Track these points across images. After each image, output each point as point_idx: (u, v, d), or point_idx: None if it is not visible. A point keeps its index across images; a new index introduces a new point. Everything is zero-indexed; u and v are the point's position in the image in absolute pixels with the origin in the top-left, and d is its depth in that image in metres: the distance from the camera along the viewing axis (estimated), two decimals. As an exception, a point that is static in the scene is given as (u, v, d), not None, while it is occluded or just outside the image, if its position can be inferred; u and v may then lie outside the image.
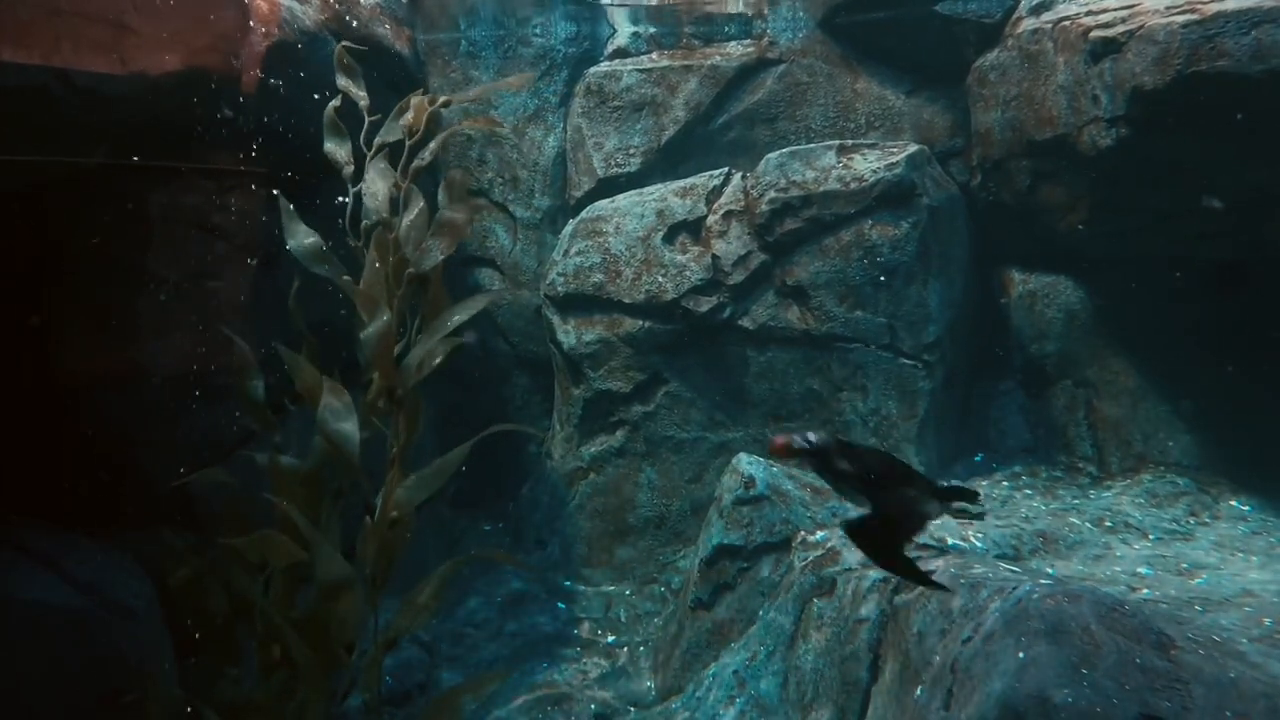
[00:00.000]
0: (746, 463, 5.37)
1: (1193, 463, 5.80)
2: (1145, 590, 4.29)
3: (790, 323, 6.00)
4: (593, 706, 5.19)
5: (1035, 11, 6.00)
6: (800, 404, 6.04)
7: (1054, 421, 6.22)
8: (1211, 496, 5.55)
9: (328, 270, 4.40)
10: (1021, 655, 3.19)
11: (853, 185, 5.89)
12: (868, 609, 4.20)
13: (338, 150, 4.54)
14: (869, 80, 6.74)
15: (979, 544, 4.69)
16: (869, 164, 5.97)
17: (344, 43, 4.83)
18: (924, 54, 6.63)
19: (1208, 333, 5.71)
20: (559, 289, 6.26)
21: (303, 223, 4.43)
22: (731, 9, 6.99)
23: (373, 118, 4.59)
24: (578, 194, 6.88)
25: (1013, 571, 4.00)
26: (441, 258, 4.44)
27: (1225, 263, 5.55)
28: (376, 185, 4.44)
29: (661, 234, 6.17)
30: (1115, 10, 5.30)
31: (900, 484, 2.97)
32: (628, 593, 6.10)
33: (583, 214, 6.49)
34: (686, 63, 6.85)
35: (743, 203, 6.12)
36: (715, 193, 6.25)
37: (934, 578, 3.91)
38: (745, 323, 6.04)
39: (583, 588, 6.20)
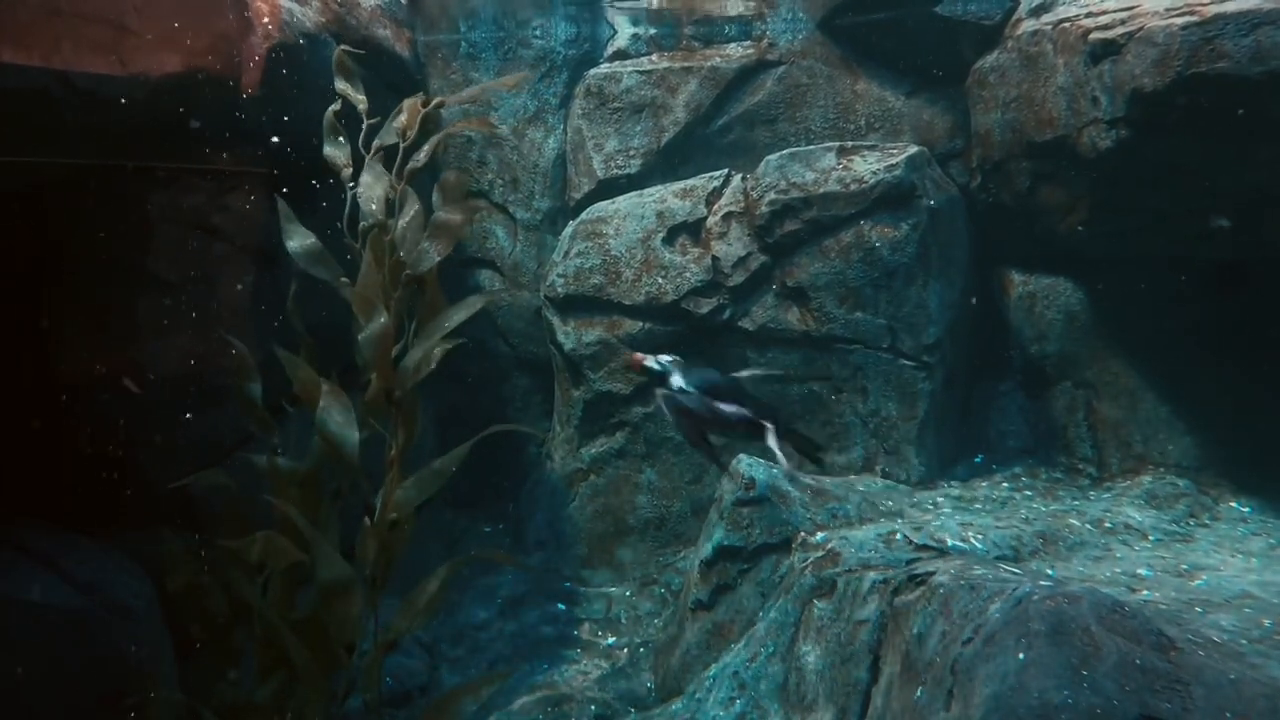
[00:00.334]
0: (747, 464, 5.37)
1: (1193, 464, 5.80)
2: (1145, 591, 4.28)
3: (790, 324, 6.00)
4: (593, 708, 5.19)
5: (1035, 13, 6.00)
6: (800, 405, 6.04)
7: (1054, 423, 6.22)
8: (1211, 498, 5.55)
9: (326, 272, 4.41)
10: (1022, 656, 3.19)
11: (853, 187, 5.90)
12: (868, 610, 4.20)
13: (337, 153, 4.56)
14: (869, 82, 6.75)
15: (979, 545, 4.69)
16: (869, 165, 5.97)
17: (343, 46, 4.84)
18: (924, 55, 6.63)
19: (1208, 333, 5.72)
20: (559, 290, 6.26)
21: (301, 224, 4.43)
22: (731, 10, 7.00)
23: (371, 120, 4.60)
24: (578, 195, 6.89)
25: (1013, 573, 3.99)
26: (438, 259, 4.45)
27: (1225, 263, 5.55)
28: (372, 188, 4.45)
29: (661, 235, 6.18)
30: (1115, 12, 5.30)
31: (736, 398, 3.89)
32: (628, 594, 6.10)
33: (583, 215, 6.49)
34: (686, 64, 6.86)
35: (743, 204, 6.13)
36: (715, 194, 6.26)
37: (934, 579, 3.93)
38: (745, 324, 6.04)
39: (583, 589, 6.20)
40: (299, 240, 4.41)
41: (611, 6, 7.00)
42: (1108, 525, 5.18)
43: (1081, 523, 5.18)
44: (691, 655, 5.16)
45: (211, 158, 4.55)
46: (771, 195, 6.00)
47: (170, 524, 4.18)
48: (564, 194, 7.03)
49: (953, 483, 5.94)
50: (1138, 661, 3.09)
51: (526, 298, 6.90)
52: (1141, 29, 5.01)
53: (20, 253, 3.90)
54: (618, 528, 6.23)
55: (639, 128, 6.80)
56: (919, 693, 3.60)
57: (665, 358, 4.43)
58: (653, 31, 7.13)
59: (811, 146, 6.25)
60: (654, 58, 7.03)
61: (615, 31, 7.18)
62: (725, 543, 5.18)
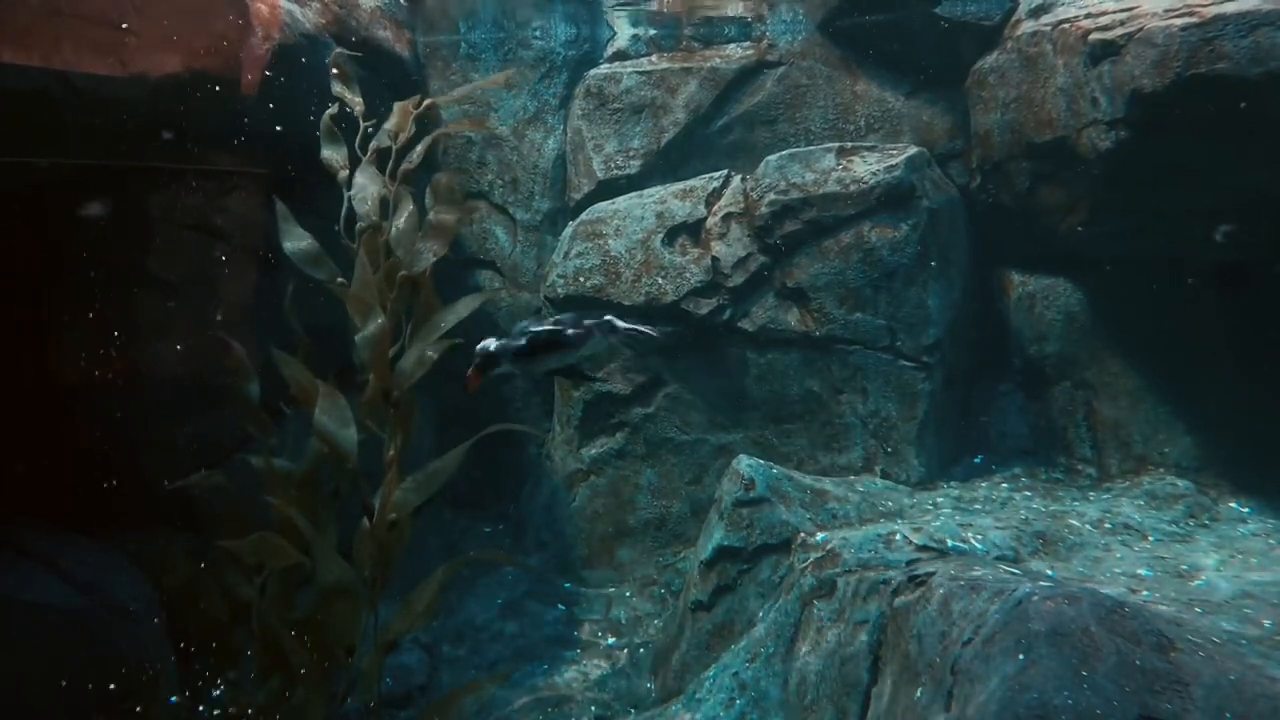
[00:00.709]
0: (747, 465, 5.37)
1: (1192, 464, 5.80)
2: (1145, 592, 4.29)
3: (790, 325, 6.00)
4: (593, 708, 5.19)
5: (1034, 14, 6.01)
6: (800, 405, 6.04)
7: (1053, 423, 6.22)
8: (1211, 498, 5.55)
9: (323, 272, 4.42)
10: (1021, 657, 3.19)
11: (852, 187, 5.90)
12: (868, 611, 4.20)
13: (334, 156, 4.57)
14: (868, 82, 6.75)
15: (979, 546, 4.69)
16: (868, 166, 5.97)
17: (339, 50, 4.86)
18: (923, 56, 6.64)
19: (1207, 333, 5.72)
20: (559, 291, 6.26)
21: (300, 225, 4.44)
22: (731, 11, 7.00)
23: (368, 123, 4.62)
24: (577, 196, 6.89)
25: (1013, 573, 4.00)
26: (433, 259, 4.47)
27: (1225, 263, 5.55)
28: (366, 189, 4.47)
29: (661, 236, 6.18)
30: (1114, 13, 5.31)
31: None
32: (628, 594, 6.10)
33: (582, 216, 6.49)
34: (686, 65, 6.86)
35: (742, 205, 6.13)
36: (715, 195, 6.26)
37: (934, 580, 3.93)
38: (745, 325, 6.04)
39: (583, 589, 6.20)
40: (296, 241, 4.42)
41: (612, 9, 7.01)
42: (1107, 526, 5.18)
43: (1081, 523, 5.18)
44: (691, 656, 5.16)
45: (211, 158, 4.56)
46: (771, 196, 6.00)
47: (170, 524, 4.19)
48: (564, 195, 7.03)
49: (952, 483, 5.94)
50: (1137, 662, 3.09)
51: (526, 298, 6.90)
52: (1141, 30, 5.01)
53: (20, 253, 3.90)
54: (618, 528, 6.22)
55: (639, 128, 6.80)
56: (919, 693, 3.60)
57: (493, 345, 4.17)
58: (652, 32, 7.14)
59: (811, 147, 6.25)
60: (654, 58, 7.04)
61: (615, 32, 7.19)
62: (725, 543, 5.18)
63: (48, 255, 4.03)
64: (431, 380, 4.52)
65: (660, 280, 6.07)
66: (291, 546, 4.05)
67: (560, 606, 6.07)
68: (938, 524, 4.95)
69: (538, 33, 7.10)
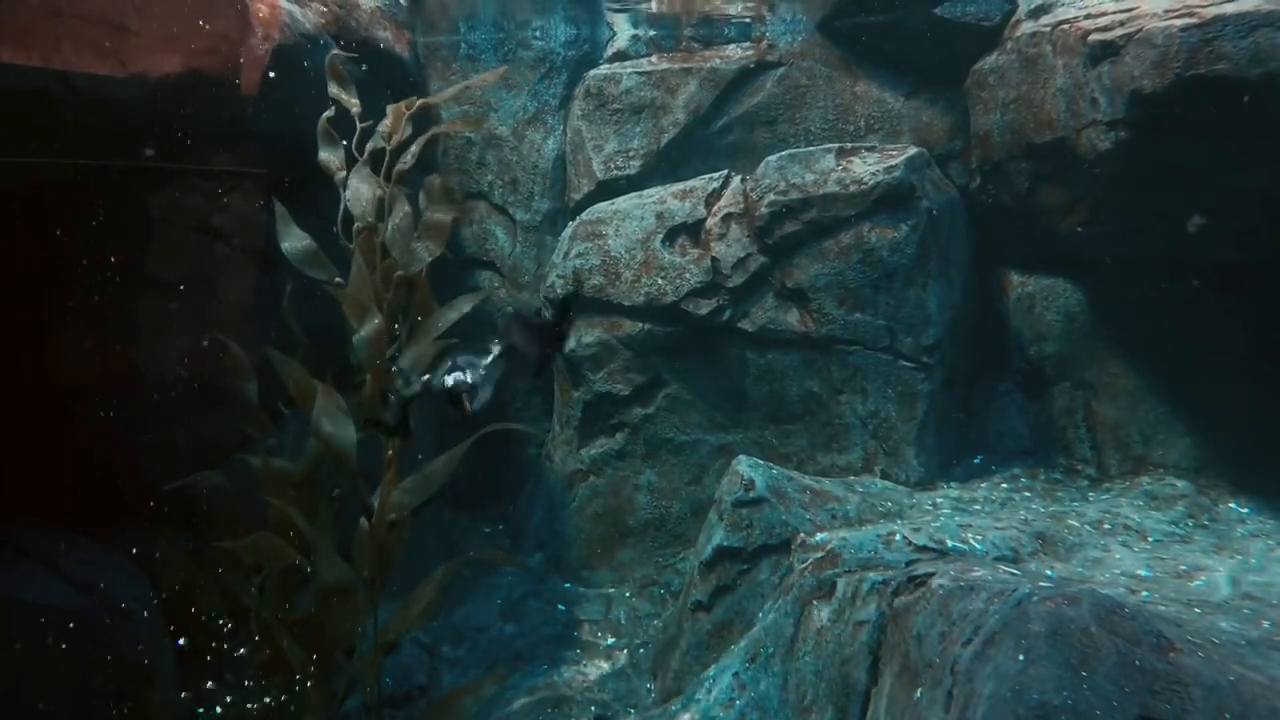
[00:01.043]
0: (746, 465, 5.37)
1: (1191, 465, 5.80)
2: (1145, 593, 4.29)
3: (790, 325, 6.00)
4: (593, 708, 5.19)
5: (1034, 15, 6.01)
6: (800, 406, 6.04)
7: (1053, 424, 6.23)
8: (1210, 499, 5.55)
9: (321, 273, 4.43)
10: (1021, 658, 3.19)
11: (852, 188, 5.90)
12: (867, 611, 4.20)
13: (331, 158, 4.58)
14: (868, 83, 6.75)
15: (978, 546, 4.69)
16: (868, 167, 5.98)
17: (335, 51, 4.86)
18: (923, 57, 6.64)
19: (1207, 334, 5.72)
20: (559, 291, 6.26)
21: (299, 225, 4.45)
22: (731, 12, 7.00)
23: (364, 124, 4.62)
24: (577, 196, 6.89)
25: (1012, 574, 4.00)
26: (429, 259, 4.48)
27: (1225, 263, 5.55)
28: (360, 191, 4.47)
29: (661, 236, 6.18)
30: (1114, 14, 5.31)
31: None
32: (627, 595, 6.10)
33: (582, 216, 6.49)
34: (686, 65, 6.86)
35: (742, 205, 6.13)
36: (715, 195, 6.26)
37: (933, 580, 3.93)
38: (745, 325, 6.04)
39: (583, 590, 6.20)
40: (294, 241, 4.42)
41: (611, 12, 7.01)
42: (1107, 526, 5.18)
43: (1081, 524, 5.18)
44: (691, 656, 5.16)
45: (211, 158, 4.56)
46: (771, 196, 6.01)
47: (170, 524, 4.19)
48: (564, 195, 7.03)
49: (952, 484, 5.94)
50: (1137, 663, 3.09)
51: (526, 299, 6.90)
52: (1140, 31, 5.01)
53: (20, 253, 3.90)
54: (617, 529, 6.23)
55: (638, 129, 6.81)
56: (918, 694, 3.60)
57: (467, 377, 3.70)
58: (652, 33, 7.14)
59: (811, 148, 6.26)
60: (653, 59, 7.04)
61: (615, 33, 7.19)
62: (725, 544, 5.19)
63: (48, 255, 4.03)
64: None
65: (660, 280, 6.07)
66: (290, 547, 4.05)
67: (560, 607, 6.07)
68: (937, 524, 4.95)
69: (538, 33, 7.10)
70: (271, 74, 4.69)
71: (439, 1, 7.02)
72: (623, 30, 7.17)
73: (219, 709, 3.98)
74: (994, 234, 6.43)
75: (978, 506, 5.52)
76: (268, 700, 4.04)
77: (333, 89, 4.67)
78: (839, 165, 6.04)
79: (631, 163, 6.79)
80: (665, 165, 6.77)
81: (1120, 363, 6.05)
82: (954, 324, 6.08)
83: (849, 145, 6.24)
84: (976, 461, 6.25)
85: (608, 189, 6.76)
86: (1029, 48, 5.89)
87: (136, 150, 4.12)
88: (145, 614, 3.95)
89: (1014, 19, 6.19)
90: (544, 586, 6.20)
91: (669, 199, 6.32)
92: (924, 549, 4.57)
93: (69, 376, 4.11)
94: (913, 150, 6.12)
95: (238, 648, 4.13)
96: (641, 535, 6.20)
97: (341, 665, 4.14)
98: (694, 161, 6.74)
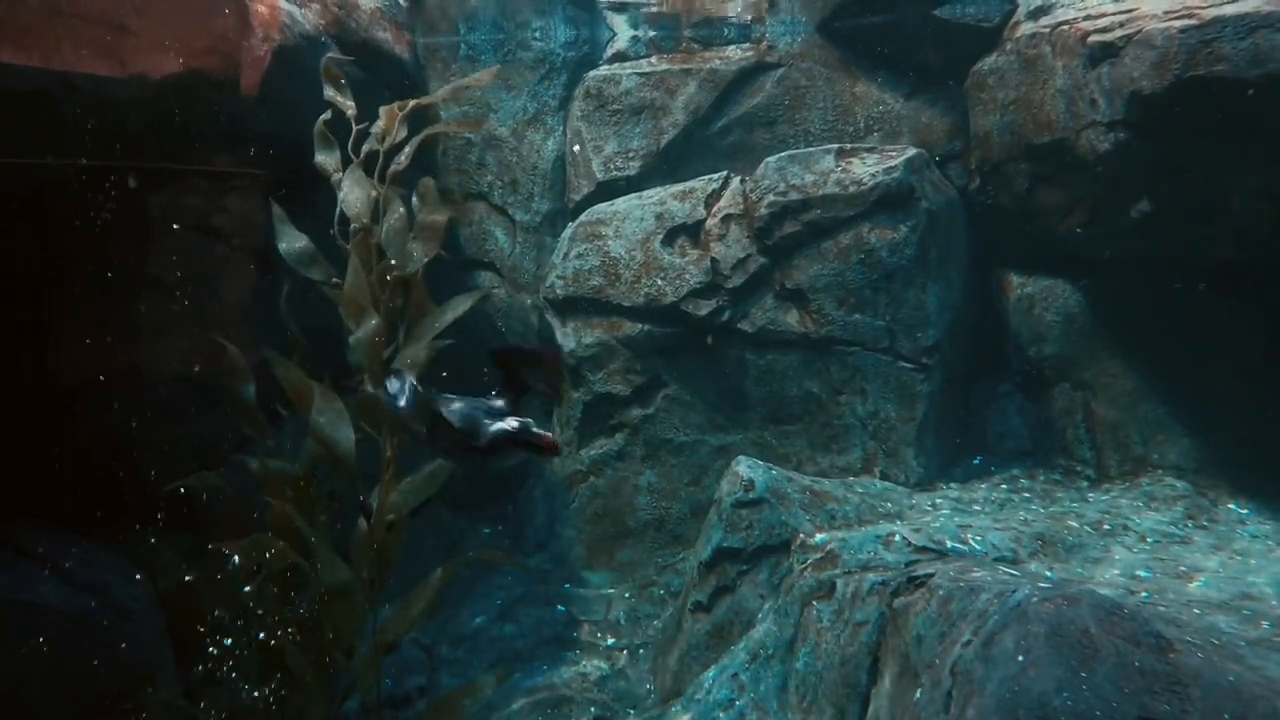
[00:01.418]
0: (746, 466, 5.37)
1: (1191, 466, 5.80)
2: (1144, 593, 4.29)
3: (789, 326, 6.00)
4: (592, 709, 5.19)
5: (1033, 16, 6.01)
6: (799, 406, 6.04)
7: (1052, 424, 6.23)
8: (1210, 500, 5.56)
9: (319, 273, 4.43)
10: (1021, 658, 3.19)
11: (851, 189, 5.90)
12: (867, 612, 4.21)
13: (327, 160, 4.58)
14: (868, 84, 6.75)
15: (978, 547, 4.69)
16: (868, 167, 5.98)
17: (330, 54, 4.87)
18: (923, 58, 6.64)
19: (1206, 334, 5.72)
20: (558, 292, 6.26)
21: (296, 226, 4.45)
22: (730, 13, 7.00)
23: (360, 126, 4.63)
24: (577, 197, 6.89)
25: (1012, 575, 4.00)
26: (424, 260, 4.48)
27: (1225, 263, 5.55)
28: (353, 192, 4.48)
29: (660, 237, 6.18)
30: (1113, 15, 5.32)
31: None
32: (627, 595, 6.10)
33: (582, 217, 6.49)
34: (685, 66, 6.86)
35: (742, 206, 6.13)
36: (714, 196, 6.26)
37: (933, 581, 3.93)
38: (744, 326, 6.04)
39: (582, 590, 6.20)
40: (291, 242, 4.43)
41: (611, 13, 7.01)
42: (1106, 527, 5.18)
43: (1080, 524, 5.18)
44: (691, 657, 5.16)
45: (211, 159, 4.56)
46: (770, 197, 6.01)
47: (170, 525, 4.19)
48: (563, 196, 7.03)
49: (951, 484, 5.94)
50: (1136, 663, 3.09)
51: (526, 299, 6.90)
52: (1140, 32, 5.02)
53: (20, 253, 3.90)
54: (617, 529, 6.23)
55: (638, 130, 6.81)
56: (918, 695, 3.60)
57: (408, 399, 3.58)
58: (652, 33, 7.14)
59: (810, 149, 6.26)
60: (653, 60, 7.04)
61: (614, 34, 7.19)
62: (724, 544, 5.19)
63: (48, 255, 4.03)
64: (429, 381, 4.51)
65: (660, 281, 6.07)
66: (290, 547, 4.05)
67: (560, 607, 6.07)
68: (937, 525, 4.96)
69: (537, 34, 7.10)
70: (271, 75, 4.69)
71: (439, 2, 7.02)
72: (622, 31, 7.17)
73: (219, 709, 3.97)
74: (993, 235, 6.44)
75: (977, 507, 5.52)
76: (268, 701, 4.04)
77: (328, 92, 4.67)
78: (838, 166, 6.04)
79: (631, 164, 6.79)
80: (665, 166, 6.77)
81: (1120, 363, 6.05)
82: (953, 325, 6.08)
83: (848, 146, 6.25)
84: (976, 462, 6.25)
85: (607, 190, 6.76)
86: (1028, 49, 5.89)
87: (136, 151, 4.12)
88: (145, 614, 3.95)
89: (1013, 20, 6.19)
90: (544, 587, 6.20)
91: (669, 200, 6.32)
92: (923, 550, 4.58)
93: (68, 377, 4.11)
94: (912, 151, 6.12)
95: (237, 648, 4.13)
96: (641, 536, 6.20)
97: (341, 666, 4.14)
98: (693, 162, 6.74)
